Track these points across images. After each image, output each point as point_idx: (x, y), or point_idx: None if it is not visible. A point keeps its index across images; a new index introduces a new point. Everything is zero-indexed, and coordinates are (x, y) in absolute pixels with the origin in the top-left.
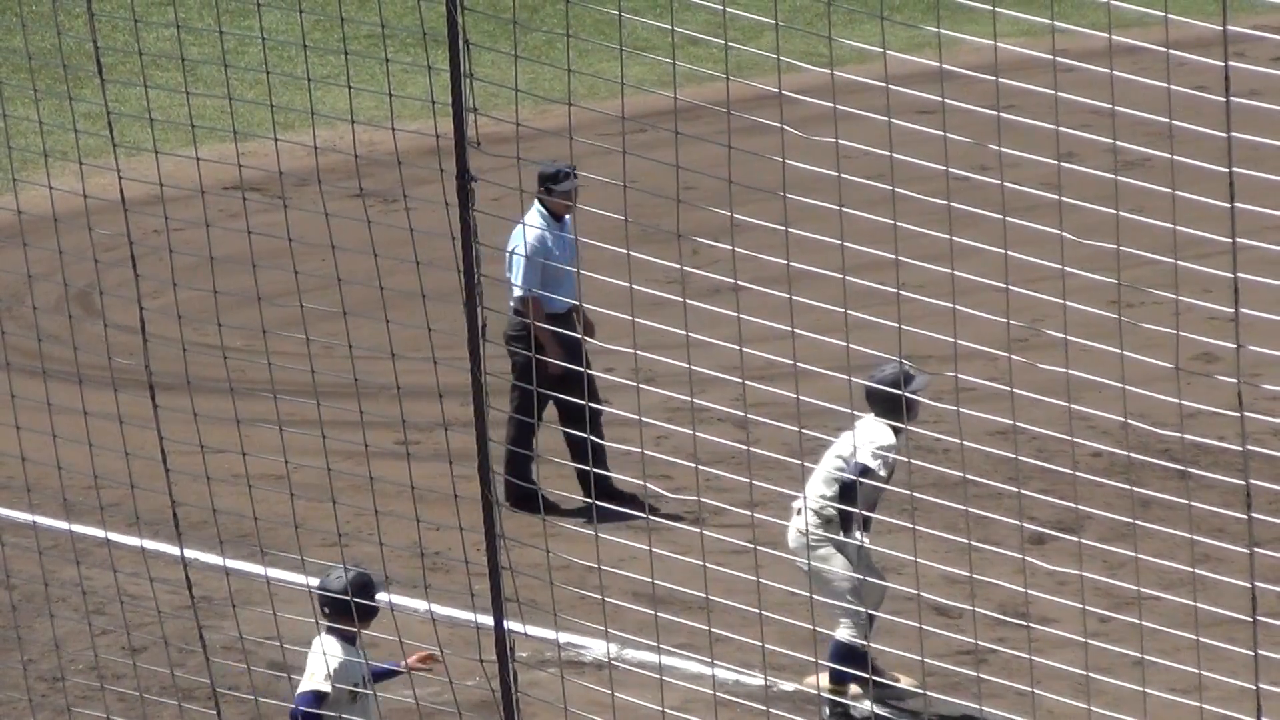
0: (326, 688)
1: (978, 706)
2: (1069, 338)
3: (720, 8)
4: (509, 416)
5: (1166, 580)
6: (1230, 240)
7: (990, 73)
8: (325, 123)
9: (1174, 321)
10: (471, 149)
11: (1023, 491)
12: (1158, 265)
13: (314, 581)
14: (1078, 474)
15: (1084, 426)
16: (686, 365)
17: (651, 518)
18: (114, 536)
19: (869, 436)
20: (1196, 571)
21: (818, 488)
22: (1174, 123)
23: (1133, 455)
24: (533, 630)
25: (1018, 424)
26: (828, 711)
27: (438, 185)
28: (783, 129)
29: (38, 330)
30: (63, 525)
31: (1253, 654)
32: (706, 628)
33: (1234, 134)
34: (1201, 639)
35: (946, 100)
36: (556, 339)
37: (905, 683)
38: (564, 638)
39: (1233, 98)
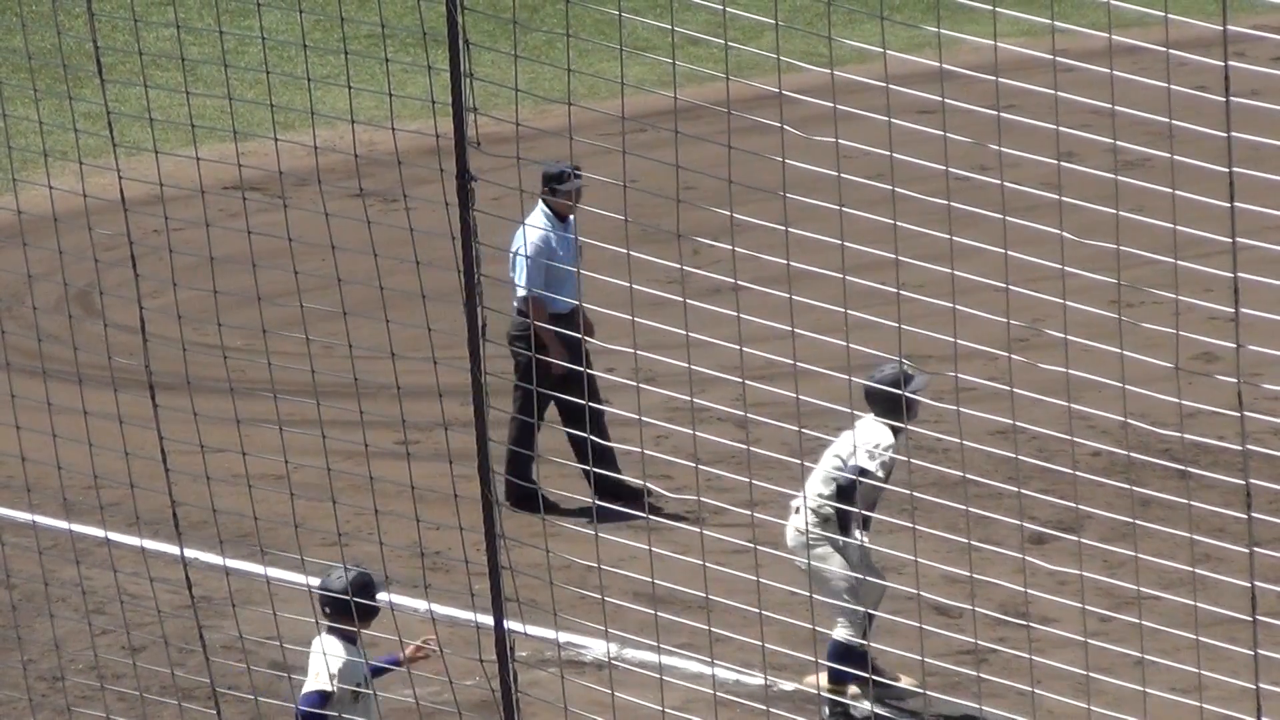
0: (331, 688)
1: (978, 706)
2: (1069, 337)
3: (720, 8)
4: (511, 417)
5: (1167, 580)
6: (1230, 240)
7: (990, 73)
8: (325, 123)
9: (1174, 321)
10: (471, 149)
11: (1023, 491)
12: (1158, 265)
13: (314, 581)
14: (1078, 474)
15: (1084, 426)
16: (687, 365)
17: (651, 517)
18: (114, 536)
19: (867, 437)
20: (1196, 571)
21: (816, 487)
22: (1174, 123)
23: (1133, 455)
24: (533, 630)
25: (1018, 424)
26: (827, 711)
27: (438, 185)
28: (783, 129)
29: (38, 330)
30: (63, 525)
31: (1253, 654)
32: (707, 627)
33: (1234, 134)
34: (1202, 639)
35: (946, 100)
36: (559, 339)
37: (905, 682)
38: (564, 637)
39: (1233, 98)
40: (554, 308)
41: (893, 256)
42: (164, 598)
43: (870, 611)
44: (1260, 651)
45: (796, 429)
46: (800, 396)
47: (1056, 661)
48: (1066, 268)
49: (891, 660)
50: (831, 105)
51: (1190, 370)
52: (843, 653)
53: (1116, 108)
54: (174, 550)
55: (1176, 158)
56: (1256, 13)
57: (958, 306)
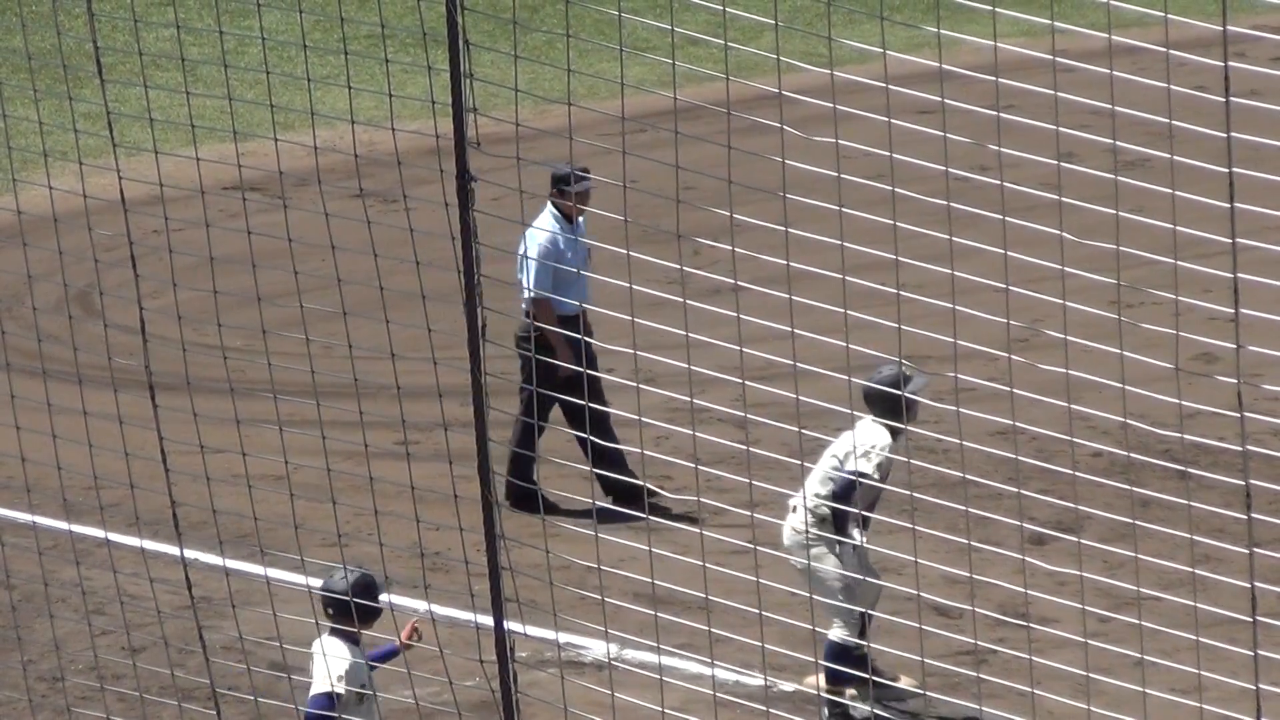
0: (339, 690)
1: (978, 707)
2: (1069, 338)
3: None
4: (516, 417)
5: (1166, 580)
6: (1230, 240)
7: (990, 73)
8: (325, 123)
9: (1174, 322)
10: (471, 149)
11: (1022, 492)
12: (1158, 265)
13: (314, 582)
14: (1078, 474)
15: (1084, 427)
16: (686, 365)
17: (651, 518)
18: (114, 537)
19: (864, 439)
20: (1196, 572)
21: (813, 487)
22: (1174, 123)
23: (1133, 455)
24: (533, 630)
25: (1018, 424)
26: (827, 712)
27: (438, 185)
28: (783, 129)
29: (38, 330)
30: (63, 525)
31: (1253, 654)
32: (706, 628)
33: (1234, 134)
34: (1201, 639)
35: (946, 100)
36: (567, 342)
37: (905, 683)
38: (564, 638)
39: (1233, 98)
40: (561, 310)
41: (892, 257)
42: (164, 598)
43: (868, 612)
44: (1260, 652)
45: (796, 429)
46: (800, 397)
47: (1056, 662)
48: (1066, 268)
49: (891, 660)
50: (831, 105)
51: (1190, 371)
52: (839, 653)
53: (1116, 108)
54: (174, 551)
55: (1176, 158)
56: (1256, 13)
57: (957, 307)
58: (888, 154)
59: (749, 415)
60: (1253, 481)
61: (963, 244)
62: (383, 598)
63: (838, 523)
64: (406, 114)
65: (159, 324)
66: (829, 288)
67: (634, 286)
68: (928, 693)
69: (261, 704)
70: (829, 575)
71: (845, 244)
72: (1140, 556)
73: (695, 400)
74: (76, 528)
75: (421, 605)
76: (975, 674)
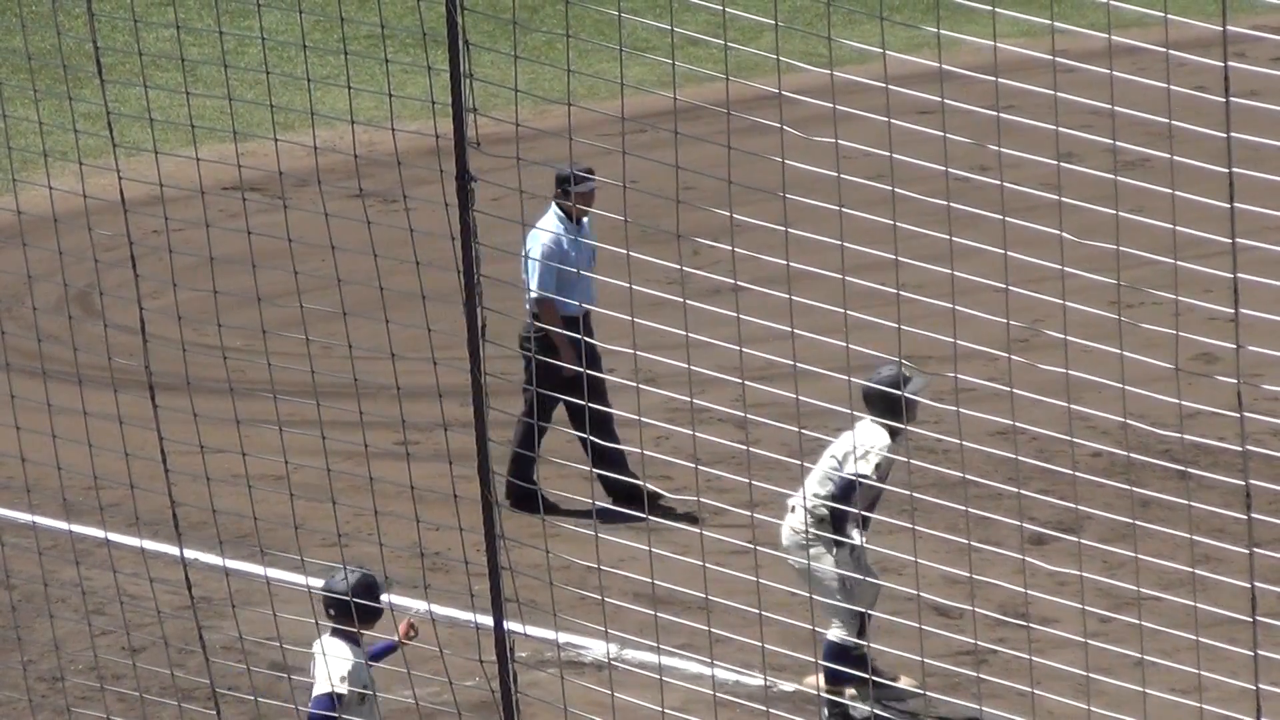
0: (343, 690)
1: (978, 707)
2: (1069, 338)
3: (720, 8)
4: (519, 418)
5: (1166, 581)
6: (1230, 240)
7: (990, 73)
8: (325, 123)
9: (1174, 322)
10: (471, 149)
11: (1023, 492)
12: (1158, 265)
13: (314, 582)
14: (1078, 474)
15: (1084, 427)
16: (686, 365)
17: (651, 518)
18: (114, 537)
19: (863, 440)
20: (1196, 572)
21: (812, 487)
22: (1174, 123)
23: (1133, 455)
24: (533, 630)
25: (1018, 424)
26: (826, 713)
27: (438, 185)
28: (782, 129)
29: (38, 330)
30: (63, 525)
31: (1253, 654)
32: (706, 628)
33: (1234, 134)
34: (1201, 639)
35: (946, 100)
36: (571, 343)
37: (905, 683)
38: (564, 638)
39: (1233, 98)
40: (565, 310)
41: (892, 257)
42: (164, 598)
43: (866, 611)
44: (1260, 652)
45: (796, 429)
46: (800, 397)
47: (1056, 662)
48: (1066, 268)
49: (891, 660)
50: (831, 106)
51: (1190, 371)
52: (838, 653)
53: (1116, 108)
54: (174, 551)
55: (1176, 158)
56: (1256, 13)
57: (957, 307)
58: (888, 154)
59: (749, 415)
60: (1253, 481)
61: (963, 244)
62: (383, 598)
63: (836, 523)
64: (406, 114)
65: (159, 324)
66: (829, 288)
67: (634, 286)
68: (928, 693)
69: (261, 704)
70: (827, 575)
71: (845, 244)
72: (1140, 556)
73: (695, 400)
74: (76, 528)
75: (421, 605)
76: (975, 674)
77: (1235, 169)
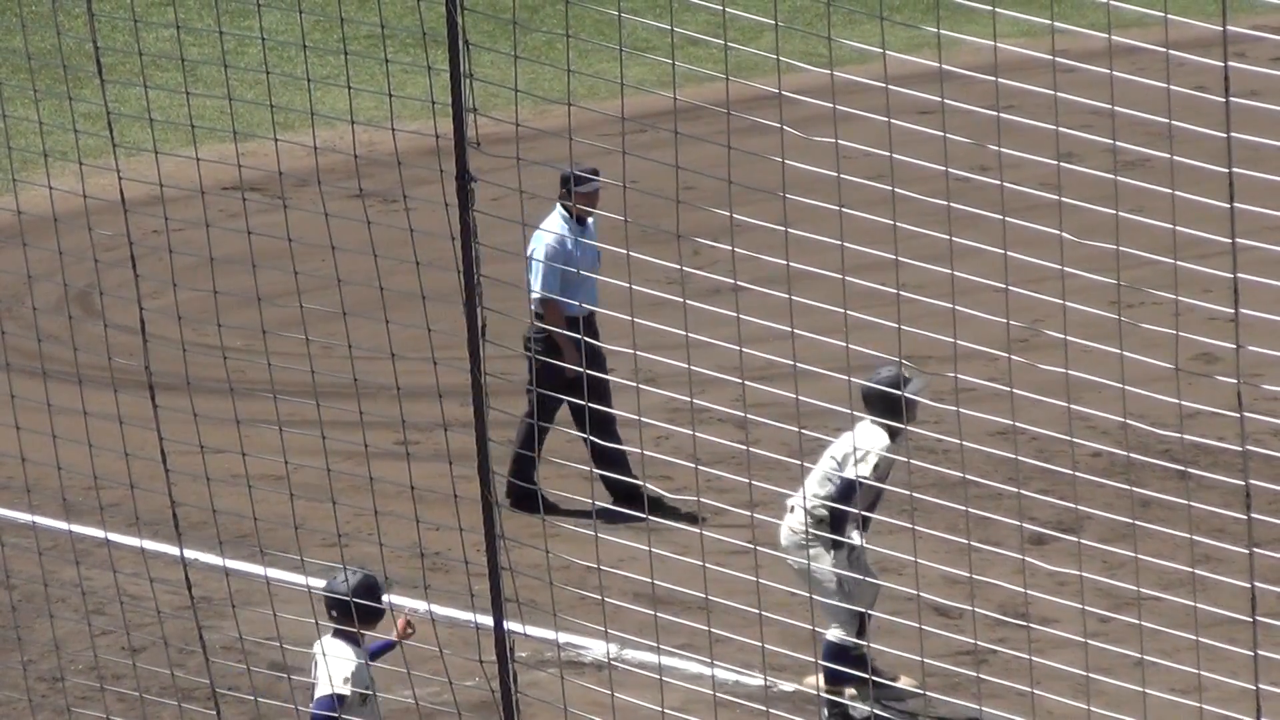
0: (346, 691)
1: (978, 707)
2: (1069, 338)
3: (720, 8)
4: (522, 418)
5: (1166, 581)
6: (1230, 240)
7: (990, 73)
8: (325, 123)
9: (1174, 322)
10: (471, 149)
11: (1023, 492)
12: (1158, 265)
13: (314, 582)
14: (1077, 474)
15: (1084, 427)
16: (687, 365)
17: (651, 518)
18: (114, 537)
19: (861, 442)
20: (1196, 572)
21: (811, 487)
22: (1174, 123)
23: (1133, 455)
24: (533, 630)
25: (1018, 424)
26: (826, 713)
27: (438, 185)
28: (782, 129)
29: (38, 330)
30: (63, 525)
31: (1253, 654)
32: (706, 628)
33: (1234, 134)
34: (1201, 639)
35: (946, 100)
36: (574, 344)
37: (905, 683)
38: (564, 638)
39: (1233, 98)
40: (569, 311)
41: (892, 257)
42: (164, 598)
43: (866, 611)
44: (1260, 652)
45: (796, 429)
46: (800, 397)
47: (1056, 662)
48: (1066, 268)
49: (891, 660)
50: (831, 106)
51: (1190, 371)
52: (837, 653)
53: (1116, 108)
54: (174, 551)
55: (1176, 158)
56: (1256, 13)
57: (957, 307)
58: (888, 154)
59: (749, 415)
60: (1253, 481)
61: (963, 244)
62: (385, 598)
63: (836, 524)
64: (406, 114)
65: (159, 324)
66: (829, 288)
67: (634, 287)
68: (928, 693)
69: (261, 704)
70: (826, 576)
71: (845, 244)
72: (1140, 556)
73: (695, 400)
74: (76, 528)
75: (422, 605)
76: (975, 674)
77: (1235, 169)
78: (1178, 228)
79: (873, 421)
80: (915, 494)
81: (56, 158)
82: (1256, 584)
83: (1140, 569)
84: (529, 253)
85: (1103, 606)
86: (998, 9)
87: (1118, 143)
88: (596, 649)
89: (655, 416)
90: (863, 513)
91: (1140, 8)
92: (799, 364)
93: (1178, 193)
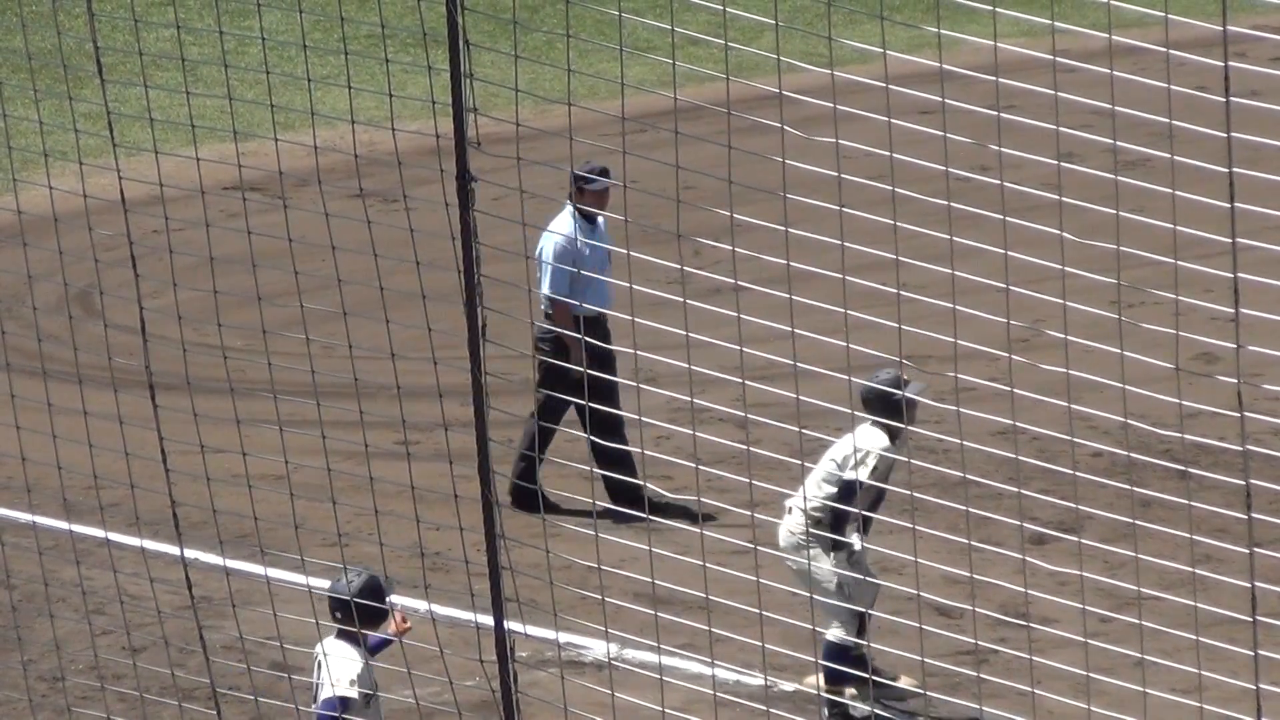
0: (353, 693)
1: (978, 707)
2: (1070, 338)
3: (720, 8)
4: (530, 415)
5: (1167, 580)
6: (1231, 241)
7: (990, 73)
8: (325, 123)
9: (1174, 322)
10: (471, 149)
11: (1023, 492)
12: (1158, 266)
13: (315, 582)
14: (1078, 474)
15: (1085, 427)
16: (687, 365)
17: (652, 518)
18: (114, 537)
19: (860, 444)
20: (1197, 572)
21: (811, 489)
22: (1174, 123)
23: (1133, 455)
24: (533, 630)
25: (1018, 424)
26: (827, 713)
27: (438, 185)
28: (783, 129)
29: (38, 330)
30: (63, 525)
31: (1253, 654)
32: (707, 628)
33: (1234, 134)
34: (1202, 639)
35: (947, 100)
36: (580, 344)
37: (905, 683)
38: (564, 638)
39: (1233, 98)
40: (578, 311)
41: (893, 257)
42: (164, 598)
43: (866, 611)
44: (1260, 652)
45: (797, 430)
46: (801, 397)
47: (1057, 662)
48: (1067, 268)
49: (892, 660)
50: (832, 106)
51: (1191, 371)
52: (838, 653)
53: (1116, 108)
54: (174, 551)
55: (1176, 158)
56: (1256, 13)
57: (958, 307)
58: (888, 154)
59: (750, 415)
60: (1253, 481)
61: (963, 244)
62: (389, 599)
63: (835, 526)
64: (407, 114)
65: (159, 324)
66: (830, 288)
67: (635, 287)
68: (928, 693)
69: (262, 704)
70: (825, 576)
71: (846, 244)
72: (1141, 556)
73: (696, 400)
74: (76, 528)
75: (422, 605)
76: (976, 674)
77: (1235, 169)
78: (1178, 228)
79: (873, 423)
80: (916, 494)
81: (57, 158)
82: (1257, 584)
83: (1141, 569)
84: (537, 253)
85: (1103, 606)
86: (998, 9)
87: (1118, 143)
88: (597, 649)
89: (656, 416)
90: (863, 513)
91: (1141, 8)
92: (800, 364)
93: (1178, 193)
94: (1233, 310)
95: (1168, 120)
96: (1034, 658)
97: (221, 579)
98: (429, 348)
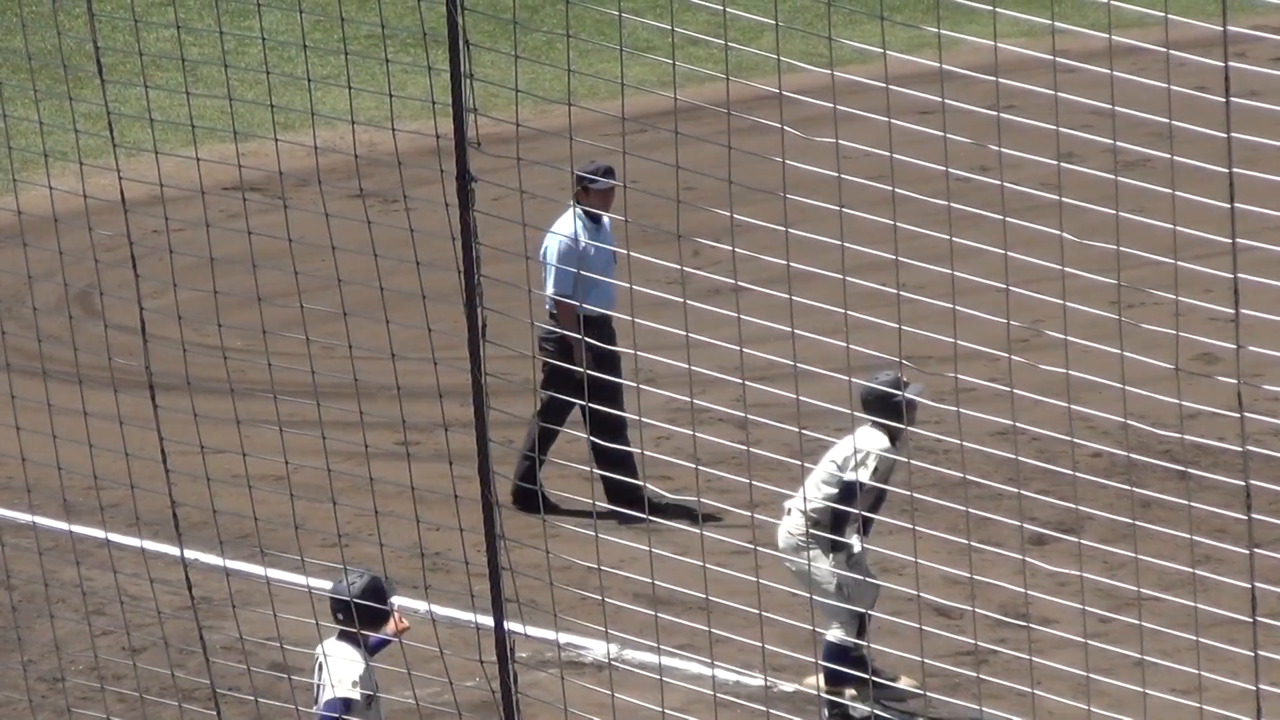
0: (355, 695)
1: (978, 707)
2: (1069, 338)
3: (720, 8)
4: (533, 415)
5: (1167, 581)
6: (1230, 241)
7: (990, 73)
8: (325, 123)
9: (1174, 322)
10: (471, 149)
11: (1023, 492)
12: (1158, 266)
13: (315, 582)
14: (1078, 475)
15: (1084, 427)
16: (687, 366)
17: (652, 518)
18: (114, 537)
19: (860, 445)
20: (1197, 572)
21: (811, 490)
22: (1174, 123)
23: (1133, 456)
24: (533, 631)
25: (1018, 425)
26: (826, 713)
27: (438, 186)
28: (783, 129)
29: (38, 331)
30: (63, 526)
31: (1253, 655)
32: (707, 629)
33: (1234, 134)
34: (1202, 640)
35: (947, 100)
36: (584, 344)
37: (905, 683)
38: (564, 638)
39: (1233, 98)
40: (582, 312)
41: (893, 257)
42: (164, 599)
43: (865, 612)
44: (1260, 653)
45: (797, 430)
46: (800, 398)
47: (1057, 663)
48: (1067, 268)
49: (891, 661)
50: (832, 106)
51: (1190, 371)
52: (837, 654)
53: (1116, 108)
54: (174, 551)
55: (1176, 158)
56: (1256, 13)
57: (958, 307)
58: (888, 154)
59: (749, 416)
60: (1253, 482)
61: (963, 244)
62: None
63: (835, 527)
64: (407, 114)
65: (159, 324)
66: (829, 288)
67: (635, 287)
68: (928, 693)
69: (262, 704)
70: (825, 577)
71: (846, 244)
72: (1141, 557)
73: (696, 401)
74: (76, 528)
75: (422, 606)
76: (976, 674)
77: (1235, 169)
78: (1178, 228)
79: (873, 424)
80: (915, 494)
81: (57, 158)
82: (1257, 584)
83: (1141, 569)
84: (541, 254)
85: (1103, 607)
86: (998, 9)
87: (1118, 143)
88: (597, 649)
89: (656, 417)
90: (864, 514)
91: (1140, 8)
92: (799, 364)
93: (1178, 193)
94: (1233, 311)
95: (1168, 120)
96: (1034, 658)
97: (221, 579)
98: (429, 348)
